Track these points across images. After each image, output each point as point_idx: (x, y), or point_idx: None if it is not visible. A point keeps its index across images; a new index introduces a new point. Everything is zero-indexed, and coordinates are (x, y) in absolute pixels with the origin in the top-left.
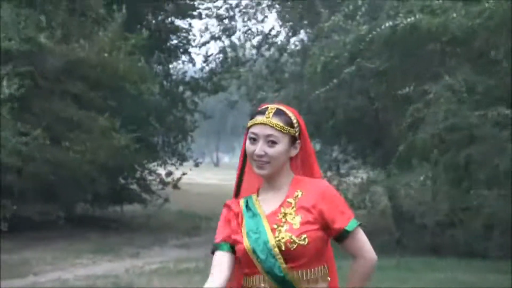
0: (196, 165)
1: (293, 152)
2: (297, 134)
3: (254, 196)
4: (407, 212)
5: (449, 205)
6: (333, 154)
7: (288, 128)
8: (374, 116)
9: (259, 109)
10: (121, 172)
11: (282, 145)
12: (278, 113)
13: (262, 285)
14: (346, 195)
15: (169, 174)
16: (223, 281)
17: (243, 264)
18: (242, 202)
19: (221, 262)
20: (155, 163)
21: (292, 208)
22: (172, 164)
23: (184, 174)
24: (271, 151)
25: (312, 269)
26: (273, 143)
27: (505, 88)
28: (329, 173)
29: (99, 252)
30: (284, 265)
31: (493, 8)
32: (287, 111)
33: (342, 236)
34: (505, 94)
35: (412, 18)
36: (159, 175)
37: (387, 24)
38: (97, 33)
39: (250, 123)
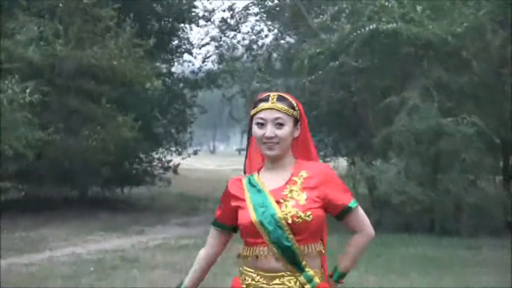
0: (195, 153)
1: (296, 133)
2: (298, 116)
3: (255, 175)
4: (383, 195)
5: (422, 189)
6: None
7: (292, 111)
8: (353, 109)
9: (260, 97)
10: (128, 159)
11: (288, 127)
12: (281, 98)
13: (267, 254)
14: None
15: (170, 161)
16: (215, 254)
17: (247, 234)
18: (244, 180)
19: (215, 238)
20: (158, 151)
21: (298, 186)
22: (173, 152)
23: (184, 158)
24: (279, 132)
25: (312, 244)
26: (280, 125)
27: (474, 85)
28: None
29: (108, 229)
30: (291, 236)
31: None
32: (288, 96)
33: (345, 212)
34: (474, 90)
35: (394, 25)
36: (161, 161)
37: (370, 27)
38: (108, 41)
39: (255, 110)
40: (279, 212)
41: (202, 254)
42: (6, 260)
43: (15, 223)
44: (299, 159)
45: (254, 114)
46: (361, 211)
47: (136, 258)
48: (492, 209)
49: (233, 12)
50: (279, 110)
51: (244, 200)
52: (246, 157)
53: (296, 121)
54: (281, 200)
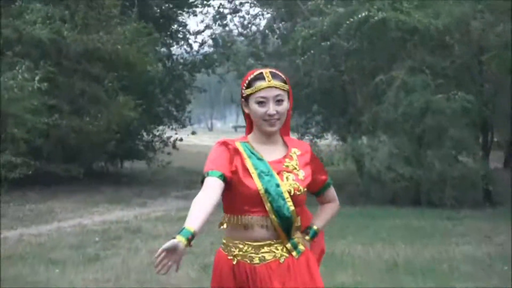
0: (193, 133)
1: (289, 107)
2: (288, 91)
3: (248, 144)
4: (371, 171)
5: (409, 166)
6: (303, 118)
7: (287, 86)
8: (342, 87)
9: (254, 76)
10: (131, 135)
11: (286, 102)
12: (274, 75)
13: (259, 223)
14: (319, 154)
15: (169, 137)
16: (216, 197)
17: (244, 203)
18: (239, 144)
19: (214, 185)
20: (159, 128)
21: (295, 161)
22: (173, 129)
23: (186, 136)
24: (280, 108)
25: (299, 217)
26: (280, 101)
27: (456, 67)
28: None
29: (112, 202)
30: (292, 207)
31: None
32: (279, 72)
33: (325, 188)
34: (456, 73)
35: (384, 14)
36: (161, 138)
37: (361, 15)
38: (113, 27)
39: (253, 89)
40: (282, 183)
41: (202, 196)
42: (16, 231)
43: (25, 196)
44: (282, 135)
45: (252, 93)
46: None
47: (139, 229)
48: (472, 183)
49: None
50: (277, 88)
51: (246, 168)
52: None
53: (288, 95)
54: (283, 173)
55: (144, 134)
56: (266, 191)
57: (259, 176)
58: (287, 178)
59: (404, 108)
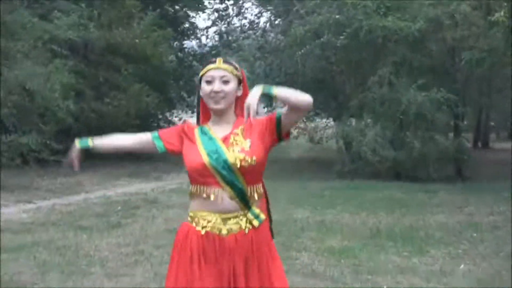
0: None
1: (239, 93)
2: (241, 78)
3: (206, 126)
4: (358, 151)
5: (390, 143)
6: None
7: (235, 71)
8: (332, 76)
9: (210, 61)
10: (148, 118)
11: (232, 84)
12: (226, 61)
13: (221, 195)
14: (311, 133)
15: (181, 119)
16: (131, 139)
17: (197, 174)
18: (196, 129)
19: (140, 135)
20: (172, 112)
21: (240, 135)
22: (184, 113)
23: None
24: (226, 88)
25: (256, 185)
26: (226, 82)
27: (432, 63)
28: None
29: (132, 176)
30: (241, 178)
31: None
32: (232, 61)
33: (279, 119)
34: (432, 67)
35: (369, 21)
36: (173, 122)
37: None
38: (132, 25)
39: (204, 70)
40: (230, 158)
41: (121, 135)
42: (49, 201)
43: (57, 171)
44: (238, 115)
45: (203, 74)
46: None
47: (155, 200)
48: (446, 160)
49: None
50: (225, 70)
51: (195, 143)
52: (198, 112)
53: (239, 82)
54: (229, 147)
55: (160, 116)
56: (215, 168)
57: (208, 154)
58: (233, 150)
59: (389, 101)
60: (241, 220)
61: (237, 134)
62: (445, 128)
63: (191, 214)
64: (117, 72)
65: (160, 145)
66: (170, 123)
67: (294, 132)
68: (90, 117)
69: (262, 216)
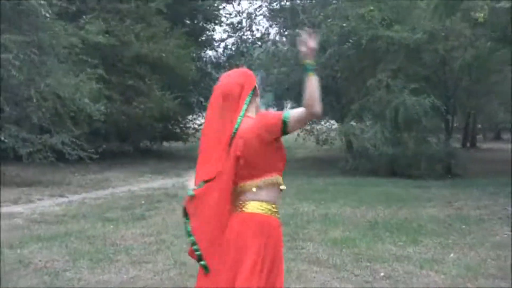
0: None
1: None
2: None
3: None
4: (357, 148)
5: (388, 144)
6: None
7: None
8: (336, 82)
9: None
10: (170, 121)
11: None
12: None
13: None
14: (316, 136)
15: (201, 123)
16: None
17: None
18: None
19: None
20: (191, 116)
21: None
22: (201, 117)
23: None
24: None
25: None
26: None
27: (425, 70)
28: None
29: (155, 173)
30: None
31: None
32: None
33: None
34: (426, 74)
35: (373, 31)
36: (193, 124)
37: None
38: (160, 39)
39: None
40: None
41: None
42: (80, 195)
43: (87, 168)
44: None
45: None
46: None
47: (176, 194)
48: (437, 159)
49: (245, 15)
50: None
51: None
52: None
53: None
54: None
55: (181, 119)
56: None
57: None
58: None
59: (387, 104)
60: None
61: None
62: (437, 130)
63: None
64: (142, 80)
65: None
66: (188, 125)
67: (302, 134)
68: (118, 120)
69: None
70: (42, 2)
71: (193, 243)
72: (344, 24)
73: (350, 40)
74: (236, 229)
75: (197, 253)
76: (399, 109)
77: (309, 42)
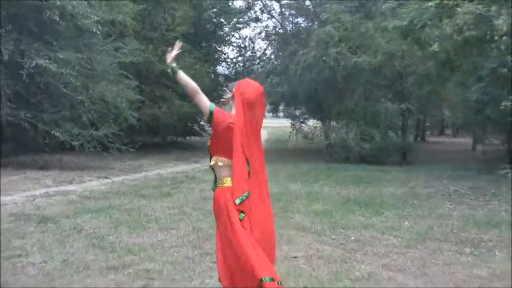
0: None
1: None
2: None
3: None
4: (335, 141)
5: (358, 138)
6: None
7: None
8: (317, 93)
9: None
10: (189, 121)
11: None
12: None
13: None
14: (304, 133)
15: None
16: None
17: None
18: None
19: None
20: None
21: None
22: None
23: None
24: None
25: None
26: None
27: (387, 82)
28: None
29: (178, 160)
30: None
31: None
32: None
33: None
34: (388, 85)
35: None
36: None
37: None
38: (181, 59)
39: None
40: None
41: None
42: (120, 177)
43: (125, 157)
44: None
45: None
46: None
47: (194, 177)
48: (395, 150)
49: (248, 38)
50: None
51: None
52: None
53: None
54: None
55: (199, 119)
56: None
57: None
58: None
59: (358, 108)
60: None
61: None
62: (395, 128)
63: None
64: (167, 90)
65: (211, 112)
66: (203, 124)
67: (293, 131)
68: (148, 120)
69: None
70: (94, 19)
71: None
72: (323, 50)
73: (331, 64)
74: (223, 199)
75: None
76: (367, 112)
77: (172, 52)
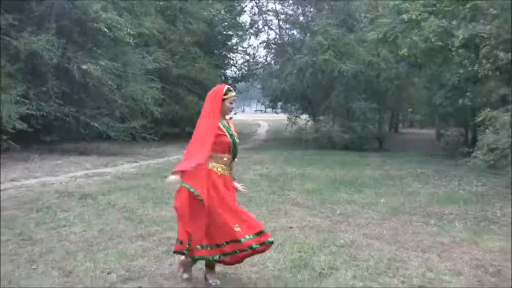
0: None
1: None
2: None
3: (221, 123)
4: (324, 133)
5: (342, 130)
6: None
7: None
8: (307, 92)
9: (227, 88)
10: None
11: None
12: (232, 90)
13: (228, 155)
14: (299, 125)
15: None
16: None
17: (223, 148)
18: (220, 123)
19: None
20: None
21: (232, 127)
22: None
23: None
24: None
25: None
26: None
27: (365, 85)
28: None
29: None
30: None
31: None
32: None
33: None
34: (366, 87)
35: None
36: None
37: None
38: (195, 63)
39: (230, 95)
40: (236, 139)
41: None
42: (147, 161)
43: (150, 144)
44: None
45: (230, 96)
46: None
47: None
48: (373, 139)
49: (252, 47)
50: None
51: (222, 129)
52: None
53: None
54: (234, 134)
55: None
56: (233, 143)
57: (230, 136)
58: (235, 137)
59: (342, 105)
60: (230, 169)
61: (231, 126)
62: (373, 121)
63: (211, 165)
64: (183, 89)
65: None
66: None
67: (289, 124)
68: (169, 114)
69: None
70: (127, 32)
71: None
72: (314, 59)
73: (321, 67)
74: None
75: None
76: (350, 108)
77: (173, 180)
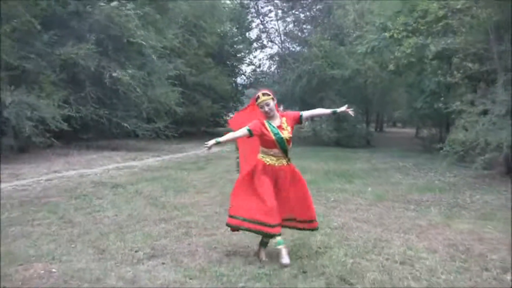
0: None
1: (275, 103)
2: (273, 97)
3: (268, 120)
4: (317, 131)
5: (334, 129)
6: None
7: (269, 96)
8: (305, 95)
9: (261, 94)
10: (214, 117)
11: (272, 103)
12: (265, 93)
13: (276, 150)
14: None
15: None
16: (237, 133)
17: (268, 144)
18: (265, 121)
19: (242, 129)
20: (228, 114)
21: (285, 124)
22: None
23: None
24: (270, 107)
25: (290, 147)
26: (269, 104)
27: (353, 91)
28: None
29: None
30: (287, 144)
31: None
32: (268, 91)
33: (300, 117)
34: (353, 92)
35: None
36: (229, 117)
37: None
38: (209, 72)
39: (262, 99)
40: (283, 135)
41: (241, 132)
42: (168, 156)
43: (172, 141)
44: (280, 114)
45: (262, 101)
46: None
47: (221, 156)
48: (362, 137)
49: (258, 59)
50: (268, 98)
51: (267, 129)
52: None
53: (273, 98)
54: (282, 130)
55: (222, 116)
56: (277, 140)
57: (273, 134)
58: (283, 132)
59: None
60: (283, 161)
61: (283, 123)
62: (361, 121)
63: (260, 156)
64: (198, 94)
65: (250, 133)
66: (225, 121)
67: None
68: (187, 115)
69: (290, 161)
70: (152, 45)
71: None
72: (310, 67)
73: (316, 73)
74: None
75: None
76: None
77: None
